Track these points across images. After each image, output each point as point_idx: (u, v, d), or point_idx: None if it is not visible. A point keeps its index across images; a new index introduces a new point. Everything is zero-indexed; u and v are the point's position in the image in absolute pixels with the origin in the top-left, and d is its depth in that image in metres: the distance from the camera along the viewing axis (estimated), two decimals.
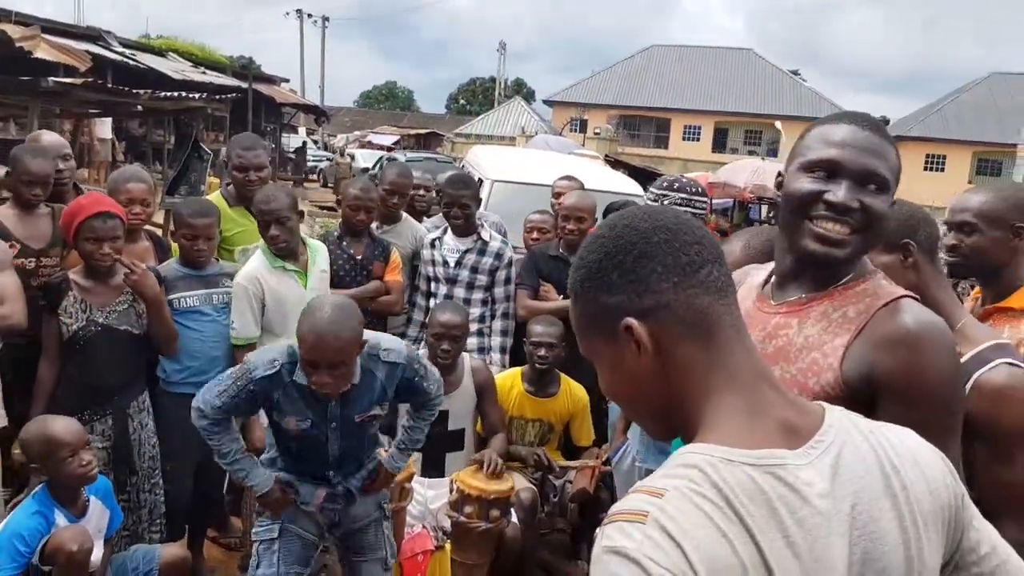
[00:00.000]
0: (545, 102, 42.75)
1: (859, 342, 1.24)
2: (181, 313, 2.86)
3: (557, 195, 4.08)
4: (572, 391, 3.37)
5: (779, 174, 1.37)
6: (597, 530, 0.78)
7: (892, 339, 1.21)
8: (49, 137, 3.38)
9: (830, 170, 1.25)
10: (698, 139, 37.88)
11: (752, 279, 1.47)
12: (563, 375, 3.36)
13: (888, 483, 0.83)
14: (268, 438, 2.48)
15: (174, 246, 3.20)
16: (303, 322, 2.07)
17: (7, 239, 2.81)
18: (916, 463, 0.86)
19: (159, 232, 4.45)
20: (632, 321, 0.84)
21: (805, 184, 1.27)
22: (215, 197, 3.48)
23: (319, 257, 3.13)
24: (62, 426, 2.26)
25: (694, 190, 2.68)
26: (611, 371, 0.91)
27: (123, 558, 2.47)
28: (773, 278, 1.40)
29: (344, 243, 3.48)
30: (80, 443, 2.26)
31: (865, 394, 1.21)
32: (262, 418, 2.64)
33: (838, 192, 1.24)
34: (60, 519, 2.21)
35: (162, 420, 2.82)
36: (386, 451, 2.59)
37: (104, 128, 12.35)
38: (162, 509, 2.82)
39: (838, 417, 0.87)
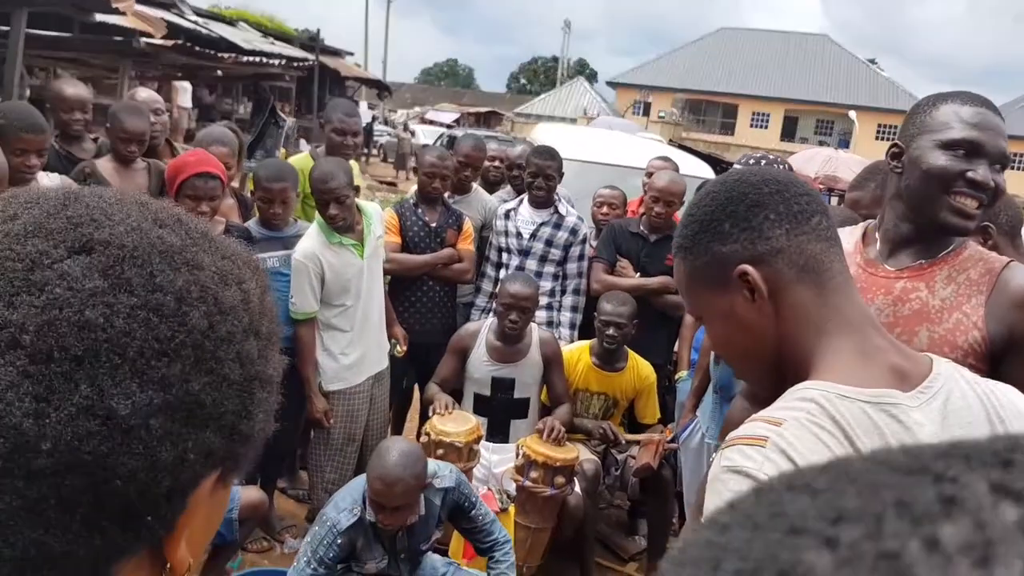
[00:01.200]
0: (608, 83, 42.26)
1: (993, 302, 1.33)
2: None
3: (650, 174, 4.05)
4: (639, 368, 3.37)
5: (895, 145, 1.41)
6: (714, 454, 0.81)
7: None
8: (144, 93, 3.52)
9: (971, 150, 1.32)
10: (766, 126, 36.97)
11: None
12: (631, 352, 3.36)
13: (994, 431, 0.84)
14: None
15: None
16: (373, 467, 2.20)
17: None
18: (1020, 415, 0.88)
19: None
20: (747, 267, 0.87)
21: (948, 161, 1.33)
22: (303, 157, 3.55)
23: (374, 223, 3.12)
24: None
25: (781, 167, 2.64)
26: (723, 322, 0.93)
27: None
28: (877, 244, 1.45)
29: (419, 210, 3.53)
30: None
31: (1000, 349, 1.30)
32: None
33: (979, 171, 1.31)
34: None
35: None
36: None
37: (185, 97, 12.75)
38: None
39: (946, 367, 0.89)
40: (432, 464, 2.41)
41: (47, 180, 2.64)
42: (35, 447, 0.35)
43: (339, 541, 2.22)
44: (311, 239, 2.97)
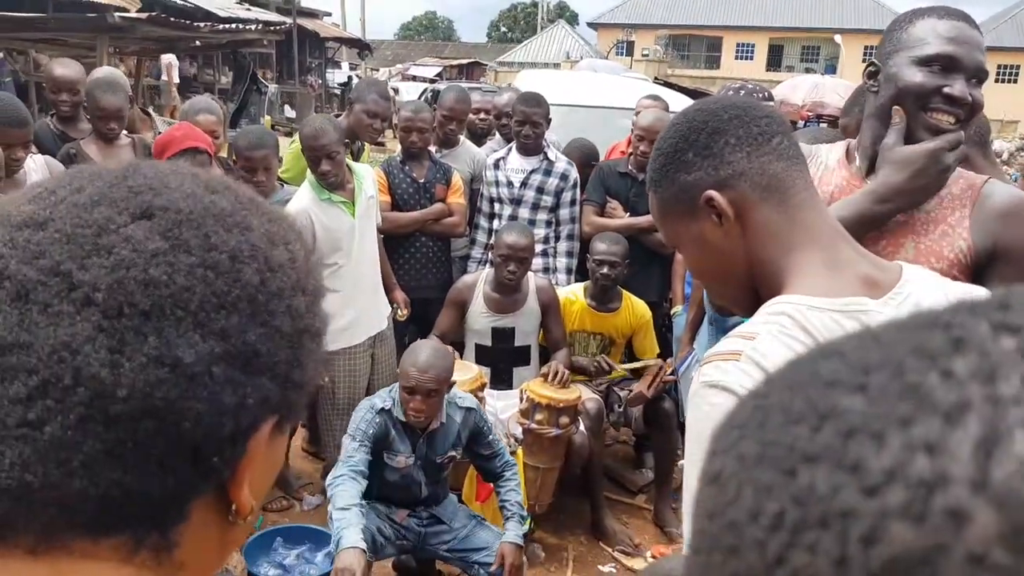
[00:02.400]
0: (589, 24, 41.45)
1: (976, 216, 1.36)
2: None
3: (636, 112, 4.03)
4: (634, 307, 3.42)
5: (871, 63, 1.41)
6: (693, 371, 0.86)
7: (1009, 211, 1.36)
8: (103, 72, 3.46)
9: (947, 65, 1.31)
10: (751, 57, 36.41)
11: (825, 159, 1.53)
12: (625, 291, 3.41)
13: None
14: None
15: None
16: (406, 359, 2.50)
17: None
18: None
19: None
20: (712, 192, 0.90)
21: (924, 78, 1.32)
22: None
23: (366, 182, 3.12)
24: None
25: (761, 95, 2.64)
26: (695, 248, 0.97)
27: None
28: (857, 161, 1.46)
29: (406, 167, 3.53)
30: None
31: (984, 262, 1.34)
32: None
33: (956, 87, 1.30)
34: None
35: None
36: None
37: (175, 72, 12.55)
38: None
39: (916, 272, 0.93)
40: (455, 389, 2.64)
41: (31, 162, 2.65)
42: (112, 394, 0.39)
43: (376, 419, 2.47)
44: (301, 196, 2.98)
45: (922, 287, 0.90)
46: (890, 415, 0.23)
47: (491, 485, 2.82)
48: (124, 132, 3.16)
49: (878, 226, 1.37)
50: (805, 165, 0.94)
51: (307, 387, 0.48)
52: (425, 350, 2.49)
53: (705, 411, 0.80)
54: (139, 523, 0.41)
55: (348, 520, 2.21)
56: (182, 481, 0.41)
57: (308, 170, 3.03)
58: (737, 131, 0.91)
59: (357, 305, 3.13)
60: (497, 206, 3.70)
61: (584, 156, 3.90)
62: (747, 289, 0.95)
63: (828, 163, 1.51)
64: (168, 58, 11.86)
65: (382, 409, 2.50)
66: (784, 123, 0.95)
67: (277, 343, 0.44)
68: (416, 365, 2.42)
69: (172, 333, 0.40)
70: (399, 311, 3.38)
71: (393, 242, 3.48)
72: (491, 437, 2.68)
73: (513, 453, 2.94)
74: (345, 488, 2.31)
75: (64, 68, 3.34)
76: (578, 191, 3.68)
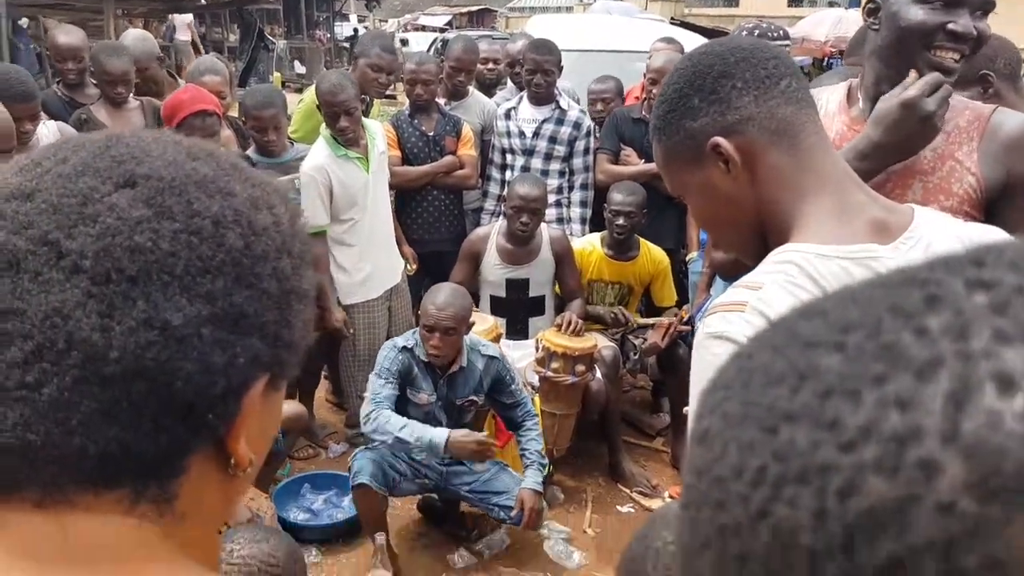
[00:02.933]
0: None
1: (985, 148, 1.32)
2: None
3: (651, 56, 3.96)
4: (651, 254, 3.42)
5: (871, 0, 1.36)
6: (698, 322, 0.86)
7: (1021, 141, 1.31)
8: (135, 32, 3.45)
9: (949, 0, 1.26)
10: None
11: (825, 104, 1.48)
12: (643, 240, 3.41)
13: None
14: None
15: None
16: (426, 300, 2.57)
17: None
18: None
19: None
20: (719, 139, 0.88)
21: (926, 15, 1.27)
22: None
23: (377, 139, 3.15)
24: None
25: (775, 35, 2.59)
26: (702, 198, 0.95)
27: None
28: (860, 103, 1.42)
29: (415, 121, 3.52)
30: None
31: (996, 194, 1.31)
32: None
33: (960, 22, 1.25)
34: None
35: None
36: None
37: (195, 31, 12.44)
38: None
39: (927, 215, 0.91)
40: (478, 337, 2.74)
41: (44, 129, 2.68)
42: (104, 357, 0.40)
43: (400, 357, 2.57)
44: (318, 153, 3.00)
45: (934, 230, 0.88)
46: (865, 373, 0.24)
47: (510, 432, 2.89)
48: (133, 95, 3.18)
49: (867, 180, 1.35)
50: (815, 108, 0.91)
51: (297, 345, 0.50)
52: (444, 290, 2.59)
53: (709, 361, 0.80)
54: (138, 477, 0.43)
55: (418, 429, 2.40)
56: (177, 437, 0.43)
57: (323, 126, 3.05)
58: (744, 74, 0.88)
59: (373, 259, 3.18)
60: (509, 157, 3.68)
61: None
62: (756, 237, 0.93)
63: (828, 108, 1.46)
64: (185, 18, 11.75)
65: (404, 347, 2.59)
66: (793, 64, 0.92)
67: (264, 304, 0.46)
68: (435, 304, 2.50)
69: (159, 297, 0.42)
70: (408, 266, 3.42)
71: (405, 196, 3.50)
72: (513, 387, 2.74)
73: (531, 401, 3.01)
74: (384, 415, 2.44)
75: (67, 36, 3.34)
76: (591, 139, 3.65)
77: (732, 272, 1.15)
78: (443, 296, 2.54)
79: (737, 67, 0.89)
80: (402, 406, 2.60)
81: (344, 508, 2.80)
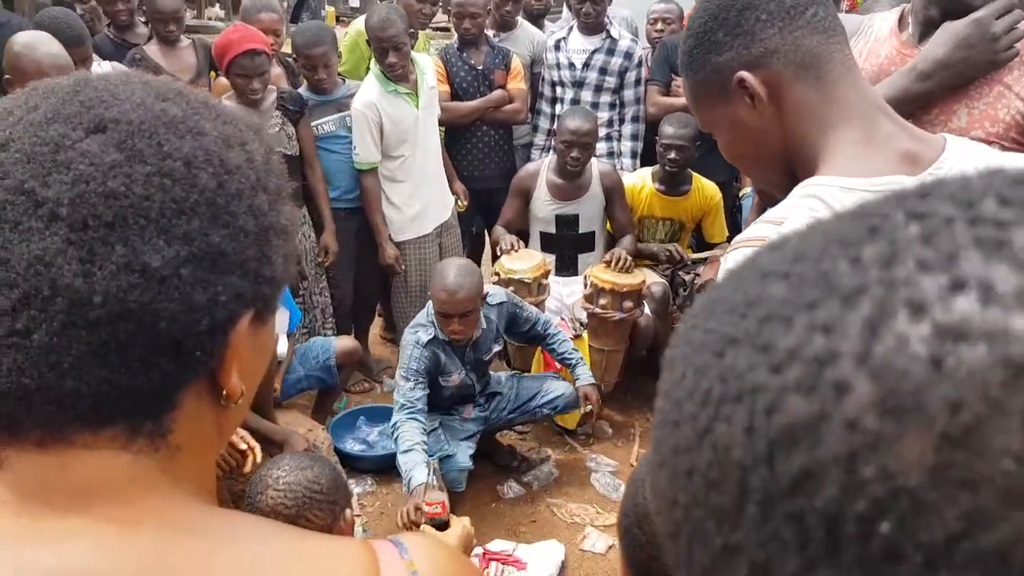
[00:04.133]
0: None
1: None
2: (321, 139, 3.03)
3: None
4: (704, 189, 3.34)
5: None
6: (722, 256, 0.86)
7: None
8: None
9: None
10: None
11: (876, 31, 1.43)
12: (695, 174, 3.33)
13: None
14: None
15: None
16: (435, 282, 2.45)
17: (159, 73, 3.03)
18: None
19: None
20: (743, 73, 0.86)
21: None
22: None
23: (427, 74, 3.13)
24: None
25: None
26: (731, 132, 0.94)
27: (304, 348, 2.85)
28: (910, 27, 1.36)
29: (464, 54, 3.46)
30: None
31: None
32: None
33: None
34: None
35: (322, 232, 3.10)
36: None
37: None
38: (331, 309, 3.19)
39: (958, 144, 0.88)
40: (484, 286, 2.67)
41: (99, 68, 2.75)
42: (89, 301, 0.41)
43: (425, 353, 2.50)
44: (368, 89, 3.01)
45: (965, 161, 0.85)
46: (800, 300, 0.25)
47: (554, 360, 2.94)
48: (184, 34, 3.21)
49: (923, 102, 1.28)
50: (843, 36, 0.88)
51: (279, 280, 0.50)
52: (451, 271, 2.44)
53: None
54: (132, 414, 0.45)
55: (413, 460, 2.29)
56: (167, 374, 0.45)
57: (373, 62, 3.04)
58: (768, 5, 0.86)
59: (424, 195, 3.20)
60: (559, 89, 3.60)
61: None
62: (785, 172, 0.92)
63: (879, 33, 1.41)
64: None
65: (428, 340, 2.51)
66: None
67: (242, 242, 0.46)
68: (446, 289, 2.39)
69: (137, 241, 0.42)
70: (459, 202, 3.42)
71: (455, 132, 3.48)
72: (524, 313, 2.75)
73: (579, 336, 3.03)
74: (405, 430, 2.38)
75: None
76: (643, 70, 3.53)
77: None
78: (452, 278, 2.41)
79: None
80: (436, 392, 2.61)
81: None
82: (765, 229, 0.83)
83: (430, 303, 2.54)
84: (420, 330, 2.55)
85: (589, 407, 2.71)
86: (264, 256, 0.48)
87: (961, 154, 0.86)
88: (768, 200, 2.56)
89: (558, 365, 2.89)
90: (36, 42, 2.23)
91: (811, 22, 0.86)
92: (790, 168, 0.91)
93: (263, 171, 0.49)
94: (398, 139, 3.05)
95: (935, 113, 1.29)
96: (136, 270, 0.42)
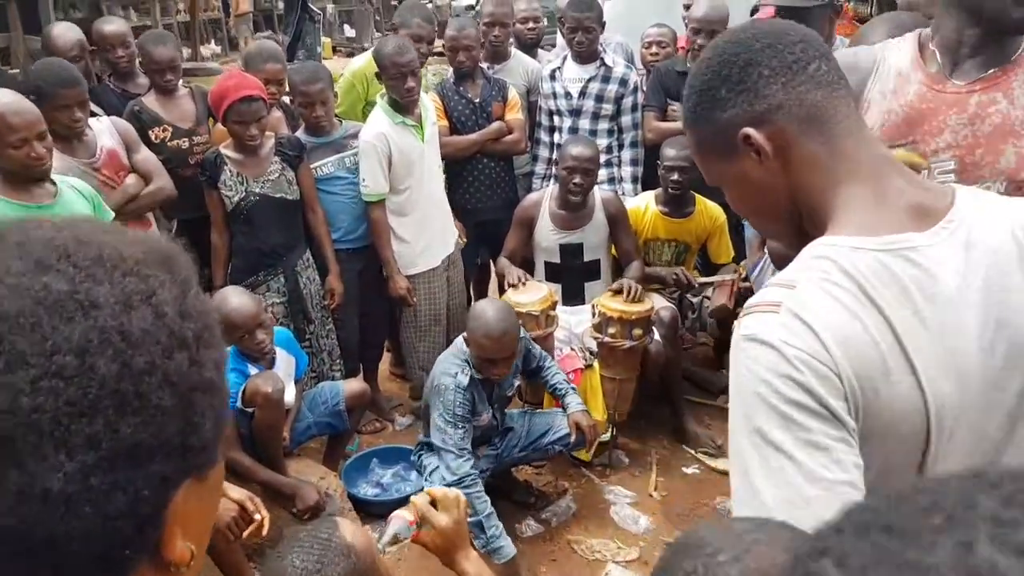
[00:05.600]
0: None
1: None
2: (321, 180, 3.04)
3: (687, 6, 3.79)
4: (707, 210, 3.33)
5: None
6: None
7: None
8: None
9: None
10: None
11: (895, 64, 1.39)
12: (698, 195, 3.31)
13: (1022, 252, 0.82)
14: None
15: None
16: (477, 328, 2.46)
17: (159, 123, 3.05)
18: None
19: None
20: (749, 130, 0.86)
21: None
22: (369, 63, 3.48)
23: (429, 110, 3.17)
24: (237, 306, 2.43)
25: None
26: (738, 187, 0.93)
27: (313, 394, 2.83)
28: (937, 57, 1.33)
29: (460, 88, 3.47)
30: (252, 324, 2.43)
31: None
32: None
33: None
34: (253, 370, 2.51)
35: (326, 275, 3.08)
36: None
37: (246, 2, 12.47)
38: (338, 351, 3.17)
39: (970, 195, 0.87)
40: None
41: (98, 124, 2.75)
42: None
43: (466, 397, 2.50)
44: (377, 121, 3.03)
45: (976, 213, 0.83)
46: None
47: (572, 381, 2.90)
48: (182, 82, 3.23)
49: None
50: (847, 89, 0.87)
51: (214, 439, 0.45)
52: (492, 315, 2.46)
53: (746, 364, 0.79)
54: None
55: (495, 524, 2.37)
56: None
57: (379, 95, 3.07)
58: (770, 61, 0.85)
59: (430, 228, 3.21)
60: (556, 119, 3.61)
61: None
62: (793, 225, 0.91)
63: (899, 66, 1.37)
64: None
65: (468, 384, 2.50)
66: (821, 46, 0.88)
67: (160, 422, 0.40)
68: (490, 336, 2.41)
69: (31, 463, 0.36)
70: (459, 239, 3.42)
71: (455, 166, 3.48)
72: (533, 350, 2.79)
73: (589, 367, 3.00)
74: (477, 490, 2.39)
75: (111, 24, 3.42)
76: (639, 95, 3.53)
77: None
78: (495, 323, 2.42)
79: (763, 54, 0.86)
80: None
81: (412, 481, 2.88)
82: (777, 293, 0.80)
83: (458, 341, 2.58)
84: (458, 372, 2.52)
85: (581, 436, 2.66)
86: (190, 425, 0.42)
87: (972, 206, 0.84)
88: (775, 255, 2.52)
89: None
90: None
91: (814, 76, 0.85)
92: (799, 222, 0.90)
93: (177, 323, 0.43)
94: (405, 171, 3.06)
95: (980, 153, 1.26)
96: (35, 496, 0.36)
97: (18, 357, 0.37)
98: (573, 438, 2.66)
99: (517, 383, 2.75)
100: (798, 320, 0.76)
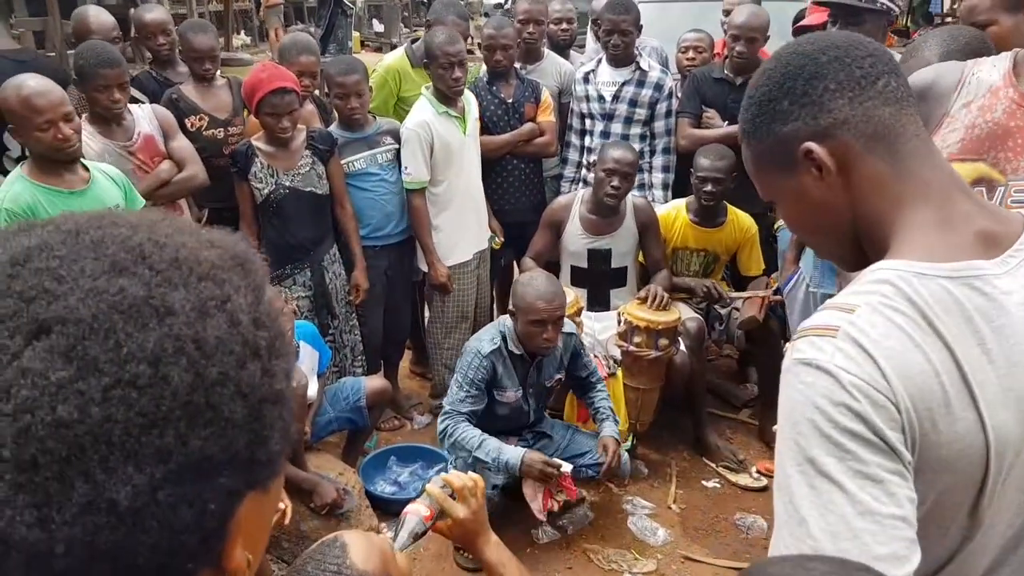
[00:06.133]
0: None
1: None
2: (352, 176, 3.03)
3: (726, 12, 3.73)
4: (739, 221, 3.28)
5: None
6: (787, 345, 0.81)
7: None
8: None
9: None
10: None
11: (986, 79, 1.35)
12: (730, 206, 3.26)
13: None
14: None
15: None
16: (527, 293, 2.50)
17: (196, 112, 3.06)
18: None
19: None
20: (811, 144, 0.83)
21: None
22: (400, 59, 3.48)
23: (472, 105, 3.19)
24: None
25: None
26: (796, 204, 0.89)
27: (335, 389, 2.83)
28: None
29: (493, 88, 3.44)
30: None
31: None
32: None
33: None
34: None
35: (352, 270, 3.08)
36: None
37: None
38: (361, 347, 3.16)
39: None
40: None
41: (137, 110, 2.77)
42: (50, 551, 0.35)
43: (484, 364, 2.54)
44: (421, 110, 3.06)
45: None
46: None
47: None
48: (219, 72, 3.23)
49: None
50: (915, 107, 0.83)
51: (279, 454, 0.44)
52: (542, 281, 2.54)
53: (799, 389, 0.75)
54: None
55: (494, 444, 2.41)
56: None
57: (424, 87, 3.09)
58: (838, 75, 0.81)
59: (466, 221, 3.22)
60: (588, 122, 3.57)
61: None
62: (852, 246, 0.87)
63: (992, 83, 1.33)
64: None
65: (491, 352, 2.55)
66: (891, 61, 0.84)
67: (230, 435, 0.39)
68: (543, 298, 2.47)
69: (100, 474, 0.35)
70: (495, 239, 3.40)
71: (485, 167, 3.45)
72: (586, 359, 2.76)
73: (612, 375, 2.97)
74: (465, 429, 2.45)
75: (152, 12, 3.43)
76: (673, 101, 3.49)
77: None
78: (545, 287, 2.51)
79: (830, 67, 0.82)
80: (489, 407, 2.62)
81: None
82: (834, 317, 0.77)
83: (501, 320, 2.64)
84: (485, 341, 2.60)
85: (602, 459, 2.63)
86: (257, 438, 0.41)
87: None
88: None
89: (590, 413, 2.84)
90: (21, 83, 2.21)
91: (883, 92, 0.81)
92: (858, 243, 0.87)
93: (251, 331, 0.42)
94: (446, 161, 3.07)
95: None
96: (102, 508, 0.35)
97: (91, 364, 0.36)
98: (599, 458, 2.63)
99: (558, 376, 2.72)
100: (856, 346, 0.73)
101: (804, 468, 0.73)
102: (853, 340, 0.74)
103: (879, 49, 0.85)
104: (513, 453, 2.45)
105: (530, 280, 2.57)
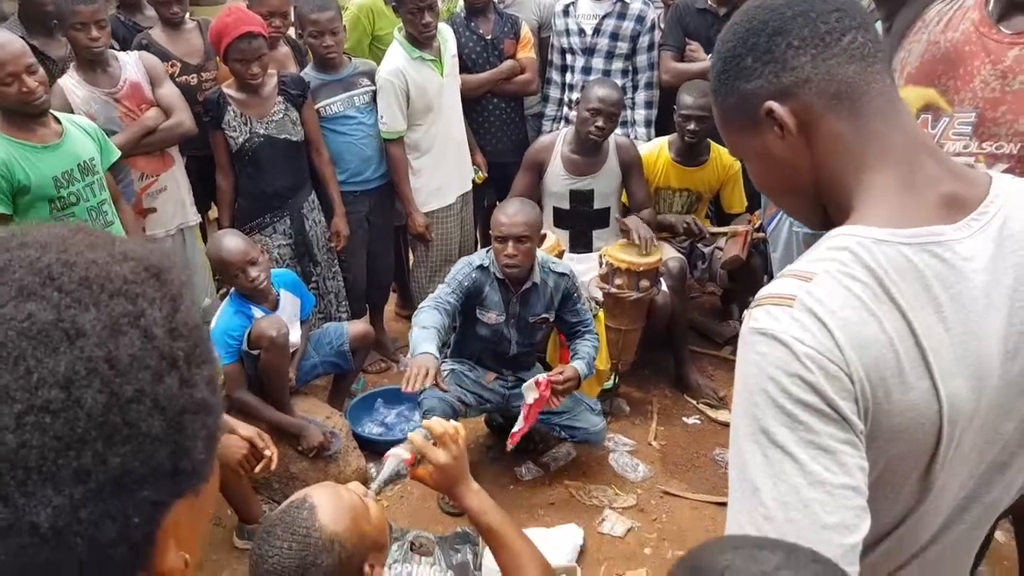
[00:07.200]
0: None
1: None
2: (328, 120, 2.98)
3: None
4: (722, 158, 3.24)
5: None
6: (745, 312, 0.81)
7: None
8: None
9: None
10: None
11: (963, 1, 1.32)
12: (713, 143, 3.22)
13: None
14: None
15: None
16: (497, 214, 2.56)
17: (167, 58, 2.98)
18: None
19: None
20: (772, 104, 0.81)
21: None
22: None
23: (449, 42, 3.10)
24: (228, 246, 2.44)
25: None
26: (760, 163, 0.88)
27: (318, 334, 2.85)
28: (992, 3, 1.27)
29: (472, 23, 3.35)
30: (243, 261, 2.42)
31: None
32: None
33: None
34: (257, 312, 2.52)
35: (331, 217, 3.06)
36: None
37: None
38: (345, 293, 3.18)
39: (1006, 184, 0.81)
40: (548, 255, 2.74)
41: (124, 56, 2.72)
42: None
43: (473, 274, 2.58)
44: (394, 57, 2.98)
45: (1011, 202, 0.79)
46: None
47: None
48: (188, 15, 3.14)
49: None
50: (884, 64, 0.81)
51: (205, 459, 0.44)
52: (513, 202, 2.61)
53: (754, 359, 0.75)
54: None
55: (426, 335, 2.33)
56: None
57: (396, 29, 3.00)
58: (802, 31, 0.78)
59: (446, 165, 3.19)
60: (569, 57, 3.49)
61: None
62: (815, 207, 0.86)
63: (967, 3, 1.30)
64: None
65: (480, 266, 2.60)
66: (861, 15, 0.81)
67: (149, 449, 0.39)
68: (505, 213, 2.53)
69: (18, 498, 0.36)
70: (478, 173, 3.37)
71: (464, 106, 3.39)
72: (579, 305, 2.74)
73: (595, 315, 2.99)
74: (428, 314, 2.44)
75: None
76: (656, 33, 3.40)
77: None
78: (512, 206, 2.56)
79: (794, 22, 0.79)
80: (472, 326, 2.65)
81: (415, 421, 2.92)
82: (792, 286, 0.76)
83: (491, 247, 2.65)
84: (476, 258, 2.66)
85: (537, 383, 2.53)
86: (180, 449, 0.41)
87: (1009, 194, 0.79)
88: None
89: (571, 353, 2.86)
90: None
91: (848, 49, 0.78)
92: (821, 202, 0.85)
93: (167, 343, 0.41)
94: (424, 107, 3.01)
95: (1003, 110, 1.20)
96: (23, 531, 0.36)
97: (2, 392, 0.36)
98: (560, 374, 2.55)
99: (545, 315, 2.68)
100: (812, 316, 0.73)
101: (758, 438, 0.74)
102: (809, 310, 0.73)
103: (849, 3, 0.81)
104: (422, 347, 2.30)
105: (505, 201, 2.64)
